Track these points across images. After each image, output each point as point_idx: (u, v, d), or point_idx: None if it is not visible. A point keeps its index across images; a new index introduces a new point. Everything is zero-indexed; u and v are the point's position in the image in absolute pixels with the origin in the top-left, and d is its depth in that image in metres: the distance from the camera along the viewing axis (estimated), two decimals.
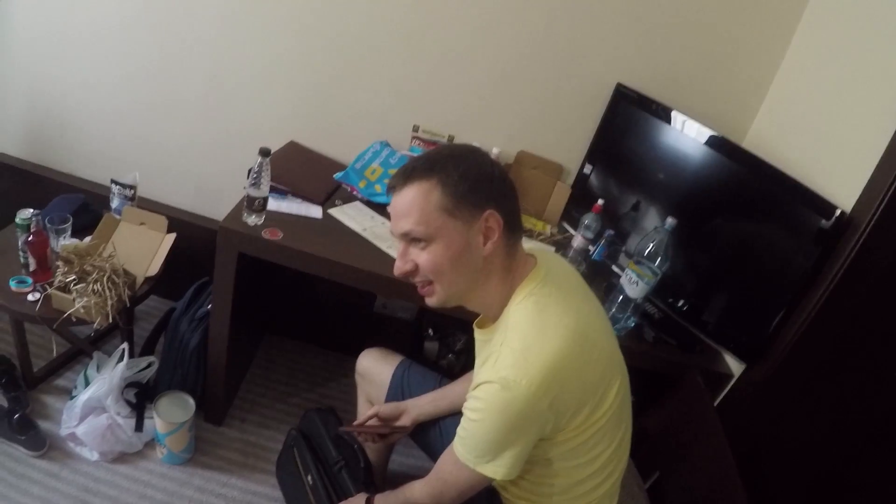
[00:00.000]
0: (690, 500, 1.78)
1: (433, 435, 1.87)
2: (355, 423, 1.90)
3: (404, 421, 1.88)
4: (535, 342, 1.31)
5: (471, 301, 1.47)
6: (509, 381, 1.26)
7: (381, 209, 2.24)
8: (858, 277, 1.78)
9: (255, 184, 1.91)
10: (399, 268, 1.42)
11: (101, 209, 2.39)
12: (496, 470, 1.35)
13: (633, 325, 2.07)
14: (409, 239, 1.39)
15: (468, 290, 1.43)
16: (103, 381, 2.12)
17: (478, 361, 1.52)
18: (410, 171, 1.37)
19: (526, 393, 1.26)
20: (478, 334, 1.55)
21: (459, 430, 1.39)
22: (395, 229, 1.40)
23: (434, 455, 1.64)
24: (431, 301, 1.46)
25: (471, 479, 1.40)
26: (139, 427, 2.19)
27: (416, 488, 1.52)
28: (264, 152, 1.89)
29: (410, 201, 1.35)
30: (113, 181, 2.37)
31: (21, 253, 2.11)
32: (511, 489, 1.55)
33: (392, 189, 1.40)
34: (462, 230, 1.36)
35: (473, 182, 1.35)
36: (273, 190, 2.10)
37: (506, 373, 1.27)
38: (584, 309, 1.44)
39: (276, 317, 2.90)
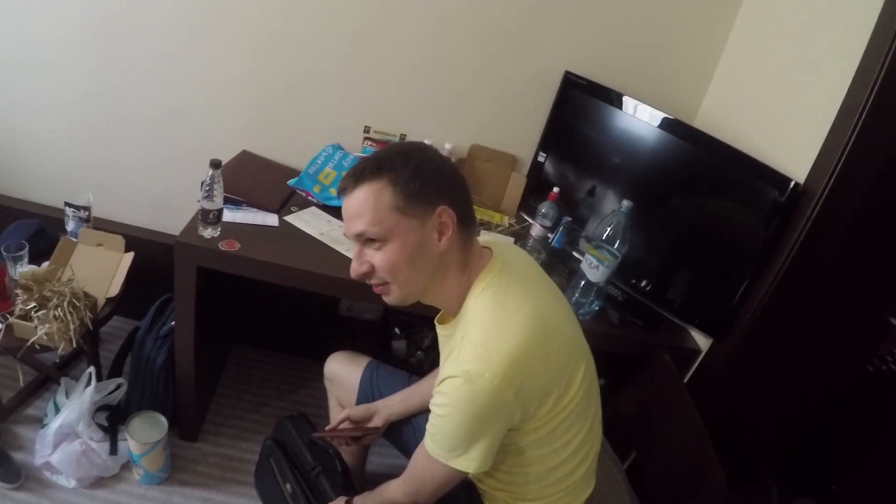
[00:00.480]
0: (668, 477, 1.79)
1: (406, 433, 1.88)
2: (327, 427, 1.90)
3: (376, 422, 1.88)
4: (496, 334, 1.31)
5: (429, 297, 1.46)
6: (472, 374, 1.26)
7: (336, 213, 2.22)
8: (816, 245, 1.82)
9: (208, 196, 1.90)
10: (355, 269, 1.40)
11: (58, 233, 2.36)
12: (468, 463, 1.35)
13: (597, 308, 2.08)
14: (364, 240, 1.37)
15: (425, 287, 1.42)
16: (73, 406, 2.09)
17: (442, 357, 1.52)
18: (360, 173, 1.35)
19: (489, 385, 1.26)
20: (439, 329, 1.55)
21: (428, 426, 1.39)
22: (349, 231, 1.39)
23: (409, 452, 1.64)
24: (389, 300, 1.44)
25: (445, 475, 1.40)
26: (114, 450, 2.17)
27: (392, 488, 1.53)
28: (215, 164, 1.88)
29: (362, 202, 1.34)
30: (66, 203, 2.35)
31: None
32: (487, 481, 1.56)
33: (343, 191, 1.39)
34: (416, 228, 1.34)
35: (424, 179, 1.34)
36: (228, 201, 2.09)
37: (468, 366, 1.27)
38: (543, 297, 1.44)
39: (243, 327, 2.89)
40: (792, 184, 1.80)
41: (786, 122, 1.99)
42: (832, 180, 1.74)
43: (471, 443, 1.33)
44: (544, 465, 1.47)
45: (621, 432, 2.00)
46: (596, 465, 1.62)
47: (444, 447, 1.37)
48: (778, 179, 1.84)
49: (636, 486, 1.89)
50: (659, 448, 1.88)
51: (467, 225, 1.42)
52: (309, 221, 2.18)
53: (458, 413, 1.30)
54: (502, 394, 1.27)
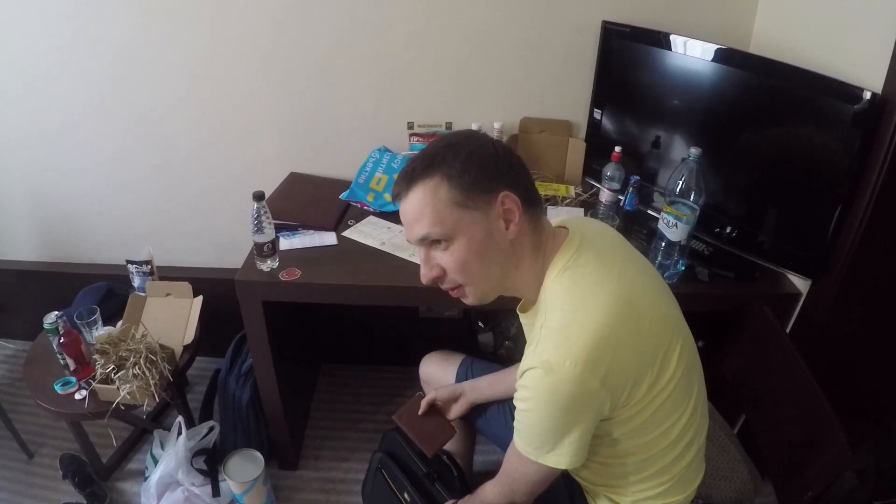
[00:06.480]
0: (783, 442, 1.65)
1: (500, 425, 1.82)
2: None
3: (461, 404, 1.86)
4: (575, 318, 1.21)
5: (508, 289, 1.38)
6: (552, 364, 1.18)
7: (395, 218, 2.11)
8: None
9: (258, 230, 1.85)
10: (425, 275, 1.33)
11: (127, 290, 2.39)
12: (559, 459, 1.27)
13: (683, 268, 1.95)
14: (429, 243, 1.30)
15: (501, 280, 1.34)
16: (169, 456, 2.11)
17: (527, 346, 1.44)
18: (411, 174, 1.28)
19: (572, 374, 1.16)
20: (522, 318, 1.47)
21: (515, 422, 1.32)
22: (411, 236, 1.32)
23: (504, 444, 1.57)
24: (468, 301, 1.38)
25: (537, 473, 1.33)
26: (216, 492, 2.18)
27: (487, 490, 1.47)
28: (258, 196, 1.83)
29: (420, 204, 1.26)
30: (128, 261, 2.36)
31: (59, 355, 2.11)
32: (583, 473, 1.49)
33: (397, 197, 1.32)
34: (480, 220, 1.26)
35: (478, 167, 1.26)
36: (282, 228, 2.07)
37: (547, 356, 1.19)
38: (628, 273, 1.33)
39: (327, 347, 2.88)
40: (868, 95, 1.62)
41: (848, 31, 1.80)
42: None
43: (559, 437, 1.25)
44: (643, 454, 1.37)
45: (727, 396, 1.87)
46: (704, 451, 1.50)
47: (531, 443, 1.29)
48: (852, 93, 1.65)
49: (749, 453, 1.77)
50: (769, 409, 1.74)
51: (533, 206, 1.33)
52: (368, 233, 2.12)
53: (541, 406, 1.22)
54: (587, 382, 1.17)
